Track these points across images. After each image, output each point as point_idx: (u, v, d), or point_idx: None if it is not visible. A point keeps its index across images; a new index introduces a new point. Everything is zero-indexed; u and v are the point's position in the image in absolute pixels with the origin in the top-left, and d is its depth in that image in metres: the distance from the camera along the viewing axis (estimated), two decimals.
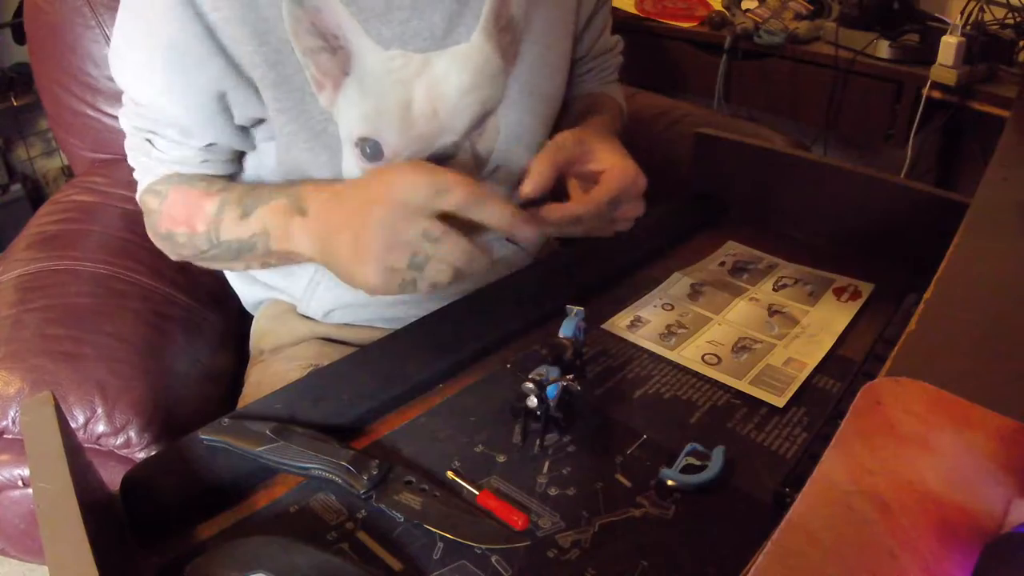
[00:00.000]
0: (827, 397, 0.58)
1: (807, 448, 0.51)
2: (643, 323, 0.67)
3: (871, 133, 1.58)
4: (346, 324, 0.79)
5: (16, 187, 2.31)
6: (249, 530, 0.46)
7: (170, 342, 0.81)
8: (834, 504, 0.32)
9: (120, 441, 0.70)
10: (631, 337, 0.65)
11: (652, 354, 0.63)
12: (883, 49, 1.48)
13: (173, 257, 0.73)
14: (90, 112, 1.06)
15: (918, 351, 0.43)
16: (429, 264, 0.54)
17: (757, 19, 1.63)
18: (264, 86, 0.62)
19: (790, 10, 1.64)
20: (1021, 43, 1.39)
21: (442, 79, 0.66)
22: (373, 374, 0.59)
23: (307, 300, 0.78)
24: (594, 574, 0.43)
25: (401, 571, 0.44)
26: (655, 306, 0.70)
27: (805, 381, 0.59)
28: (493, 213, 0.54)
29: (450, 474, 0.50)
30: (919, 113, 1.43)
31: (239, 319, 0.94)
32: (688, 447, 0.51)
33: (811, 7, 1.64)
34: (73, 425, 0.69)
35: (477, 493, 0.48)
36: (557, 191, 0.63)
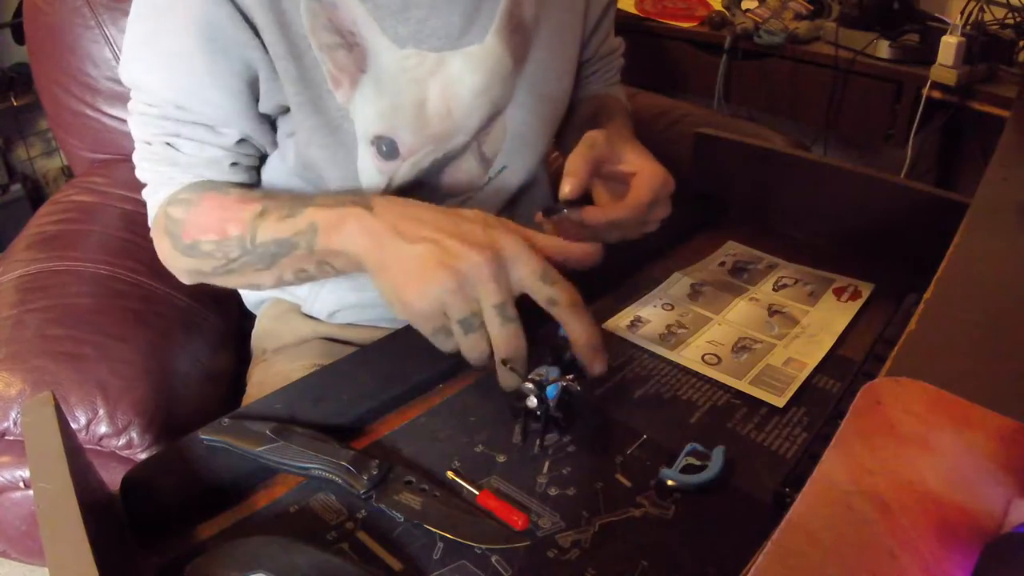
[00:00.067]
0: (827, 397, 0.58)
1: (807, 448, 0.51)
2: (643, 323, 0.67)
3: (871, 133, 1.58)
4: (350, 324, 0.79)
5: (16, 187, 2.31)
6: (249, 530, 0.46)
7: (171, 342, 0.81)
8: (834, 504, 0.32)
9: (122, 442, 0.70)
10: (631, 337, 0.65)
11: (652, 354, 0.63)
12: (883, 49, 1.48)
13: (187, 279, 0.68)
14: (89, 112, 1.06)
15: (918, 351, 0.43)
16: (474, 334, 0.50)
17: (757, 19, 1.63)
18: (287, 79, 0.62)
19: (790, 10, 1.64)
20: (1021, 43, 1.39)
21: (456, 79, 0.66)
22: (373, 374, 0.59)
23: (311, 300, 0.79)
24: (594, 574, 0.43)
25: (401, 571, 0.44)
26: (655, 306, 0.70)
27: (805, 381, 0.59)
28: (583, 328, 0.52)
29: (450, 474, 0.50)
30: (919, 113, 1.43)
31: (239, 319, 0.94)
32: (688, 447, 0.51)
33: (811, 7, 1.64)
34: (75, 426, 0.69)
35: (477, 493, 0.48)
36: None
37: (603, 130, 0.65)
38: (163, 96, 0.63)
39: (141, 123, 0.65)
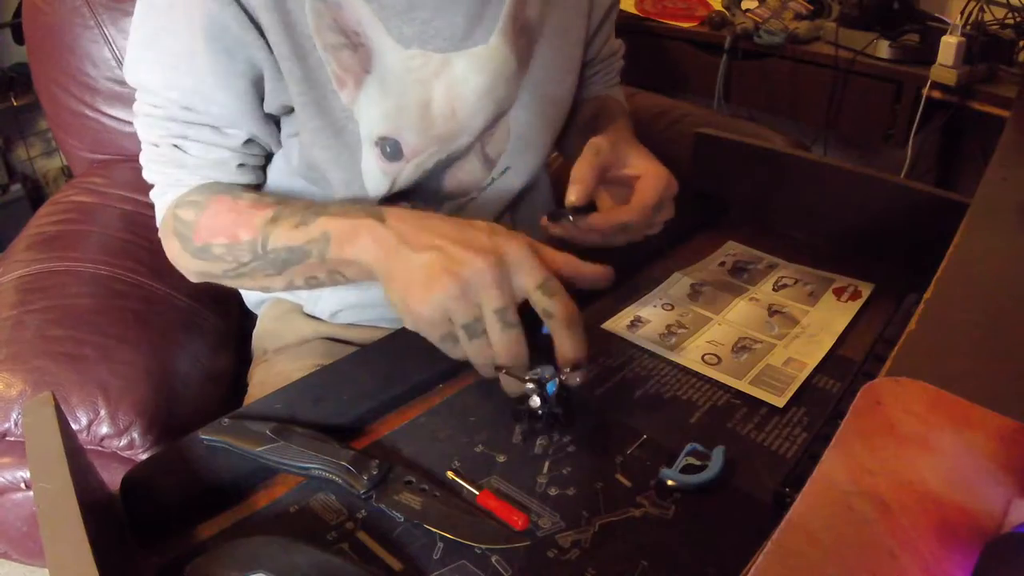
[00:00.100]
0: (827, 397, 0.58)
1: (807, 448, 0.51)
2: (643, 323, 0.67)
3: (871, 133, 1.58)
4: (351, 324, 0.79)
5: (16, 187, 2.31)
6: (249, 530, 0.46)
7: (171, 342, 0.81)
8: (834, 504, 0.32)
9: (124, 443, 0.70)
10: (631, 337, 0.65)
11: (652, 354, 0.63)
12: (883, 49, 1.48)
13: (196, 279, 0.68)
14: (89, 112, 1.06)
15: (918, 351, 0.43)
16: (478, 340, 0.50)
17: (757, 19, 1.63)
18: (291, 79, 0.62)
19: (790, 10, 1.64)
20: (1021, 43, 1.39)
21: (461, 80, 0.66)
22: (373, 374, 0.59)
23: (313, 300, 0.79)
24: (594, 574, 0.43)
25: (401, 571, 0.44)
26: (655, 306, 0.70)
27: (805, 381, 0.59)
28: (574, 345, 0.51)
29: (450, 474, 0.50)
30: (919, 113, 1.43)
31: (240, 319, 0.94)
32: (688, 447, 0.51)
33: (811, 7, 1.64)
34: (76, 427, 0.69)
35: (477, 493, 0.48)
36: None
37: (607, 135, 0.65)
38: (168, 97, 0.62)
39: (147, 125, 0.65)
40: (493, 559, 0.44)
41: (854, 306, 0.69)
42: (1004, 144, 0.73)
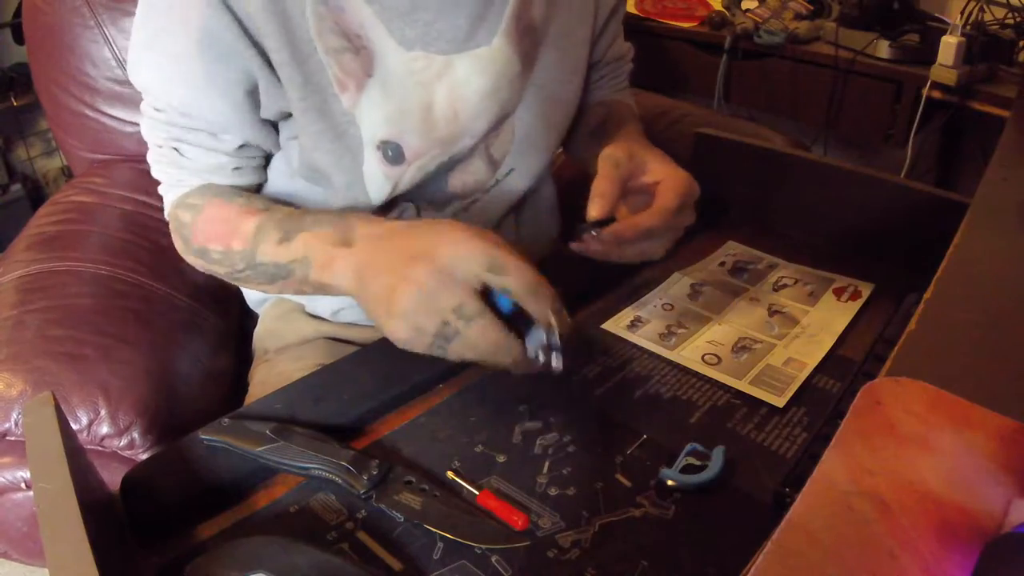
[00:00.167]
0: (827, 397, 0.58)
1: (807, 448, 0.51)
2: (643, 323, 0.67)
3: (871, 133, 1.58)
4: (352, 323, 0.79)
5: (16, 187, 2.31)
6: (249, 530, 0.46)
7: (171, 342, 0.81)
8: (834, 504, 0.32)
9: (124, 442, 0.70)
10: (631, 337, 0.65)
11: (652, 354, 0.63)
12: (883, 49, 1.48)
13: (203, 271, 0.70)
14: (89, 112, 1.06)
15: (918, 351, 0.43)
16: (456, 339, 0.51)
17: (757, 19, 1.63)
18: (291, 85, 0.61)
19: (790, 10, 1.64)
20: (1021, 43, 1.39)
21: (463, 82, 0.65)
22: (373, 374, 0.59)
23: (315, 299, 0.79)
24: (594, 574, 0.43)
25: (401, 571, 0.44)
26: (655, 306, 0.70)
27: (805, 381, 0.59)
28: (542, 309, 0.51)
29: (450, 474, 0.50)
30: (919, 113, 1.43)
31: (240, 319, 0.94)
32: (688, 447, 0.51)
33: (811, 7, 1.64)
34: (76, 427, 0.69)
35: (477, 493, 0.48)
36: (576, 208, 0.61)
37: (621, 144, 0.64)
38: (167, 101, 0.63)
39: (150, 126, 0.66)
40: (493, 559, 0.44)
41: (854, 306, 0.69)
42: (1004, 144, 0.73)
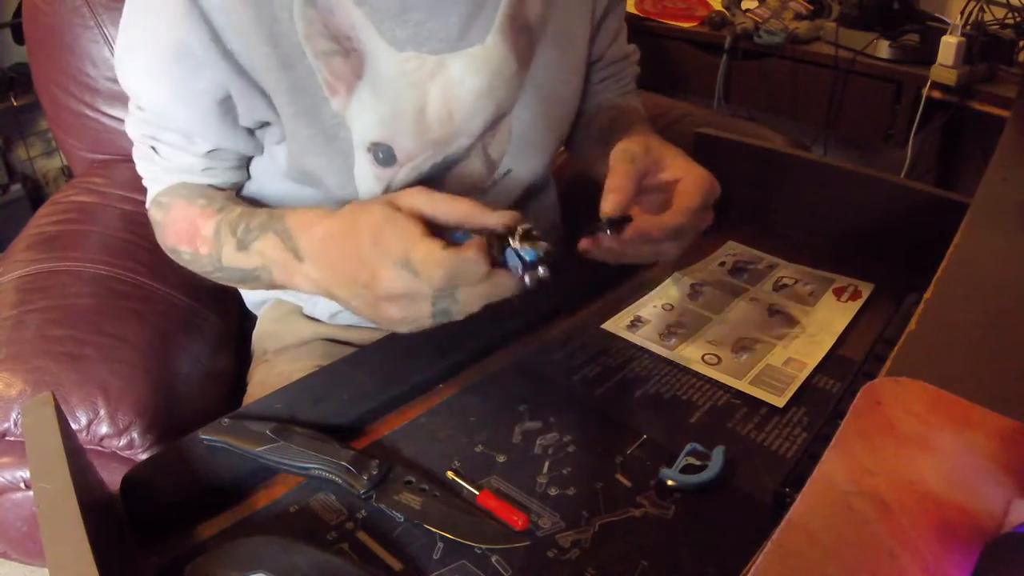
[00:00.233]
0: (827, 397, 0.58)
1: (807, 448, 0.51)
2: (643, 323, 0.67)
3: (871, 133, 1.59)
4: (351, 325, 0.79)
5: (16, 187, 2.31)
6: (249, 530, 0.46)
7: (171, 342, 0.81)
8: (834, 504, 0.32)
9: (123, 443, 0.70)
10: (631, 337, 0.65)
11: (652, 354, 0.63)
12: (883, 49, 1.48)
13: (184, 266, 0.70)
14: (89, 112, 1.06)
15: (918, 351, 0.43)
16: (454, 310, 0.50)
17: (757, 19, 1.63)
18: (278, 90, 0.61)
19: (790, 10, 1.64)
20: (1021, 43, 1.39)
21: (457, 82, 0.65)
22: (373, 374, 0.59)
23: (313, 302, 0.79)
24: (594, 574, 0.43)
25: (401, 571, 0.44)
26: (655, 306, 0.70)
27: (805, 381, 0.59)
28: (482, 218, 0.50)
29: (450, 474, 0.50)
30: (919, 113, 1.43)
31: (239, 319, 0.94)
32: (688, 447, 0.51)
33: (811, 7, 1.64)
34: (76, 427, 0.69)
35: (477, 493, 0.48)
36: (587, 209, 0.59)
37: (639, 139, 0.62)
38: (145, 100, 0.65)
39: (131, 123, 0.68)
40: (493, 559, 0.44)
41: (854, 306, 0.69)
42: (1004, 144, 0.73)
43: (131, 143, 0.70)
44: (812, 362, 0.61)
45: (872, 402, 0.37)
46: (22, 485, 0.71)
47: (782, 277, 0.74)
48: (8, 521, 0.73)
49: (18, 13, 2.11)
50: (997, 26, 1.40)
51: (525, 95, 0.71)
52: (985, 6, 1.40)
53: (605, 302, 0.70)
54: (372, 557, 0.44)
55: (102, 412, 0.70)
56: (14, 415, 0.68)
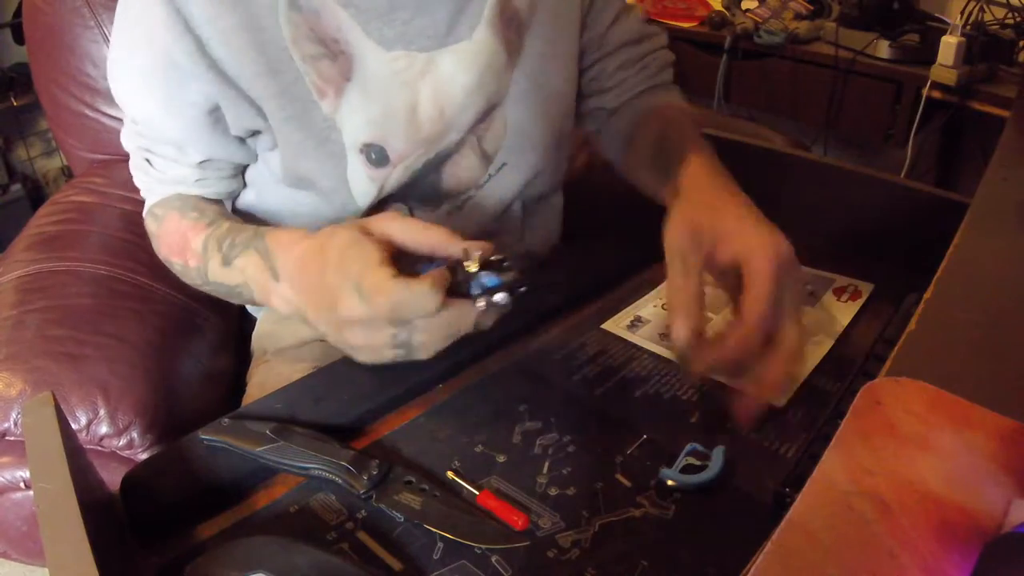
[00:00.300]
0: (827, 397, 0.58)
1: (807, 448, 0.51)
2: (643, 323, 0.67)
3: (871, 133, 1.59)
4: None
5: (16, 187, 2.31)
6: (249, 530, 0.46)
7: (171, 342, 0.81)
8: (834, 504, 0.32)
9: (123, 442, 0.70)
10: (631, 337, 0.65)
11: (652, 354, 0.63)
12: (883, 49, 1.48)
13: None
14: (89, 113, 1.06)
15: (918, 351, 0.43)
16: (418, 334, 0.51)
17: (757, 19, 1.63)
18: (267, 96, 0.61)
19: (790, 10, 1.64)
20: (1021, 43, 1.39)
21: (448, 78, 0.65)
22: (373, 374, 0.58)
23: None
24: (594, 574, 0.43)
25: (401, 571, 0.44)
26: (655, 306, 0.70)
27: (805, 381, 0.59)
28: (444, 245, 0.51)
29: (450, 474, 0.50)
30: (919, 113, 1.43)
31: (239, 319, 0.94)
32: (688, 447, 0.51)
33: (811, 7, 1.64)
34: (75, 426, 0.69)
35: (477, 493, 0.48)
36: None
37: (686, 215, 0.56)
38: (136, 112, 0.65)
39: (125, 135, 0.69)
40: (493, 559, 0.44)
41: (854, 306, 0.69)
42: (1004, 144, 0.73)
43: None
44: (812, 362, 0.61)
45: (872, 402, 0.37)
46: (22, 485, 0.71)
47: None
48: (8, 521, 0.73)
49: (18, 13, 2.11)
50: (997, 26, 1.40)
51: (516, 86, 0.70)
52: (985, 6, 1.40)
53: (605, 302, 0.70)
54: (372, 557, 0.44)
55: (102, 412, 0.70)
56: (14, 415, 0.68)
